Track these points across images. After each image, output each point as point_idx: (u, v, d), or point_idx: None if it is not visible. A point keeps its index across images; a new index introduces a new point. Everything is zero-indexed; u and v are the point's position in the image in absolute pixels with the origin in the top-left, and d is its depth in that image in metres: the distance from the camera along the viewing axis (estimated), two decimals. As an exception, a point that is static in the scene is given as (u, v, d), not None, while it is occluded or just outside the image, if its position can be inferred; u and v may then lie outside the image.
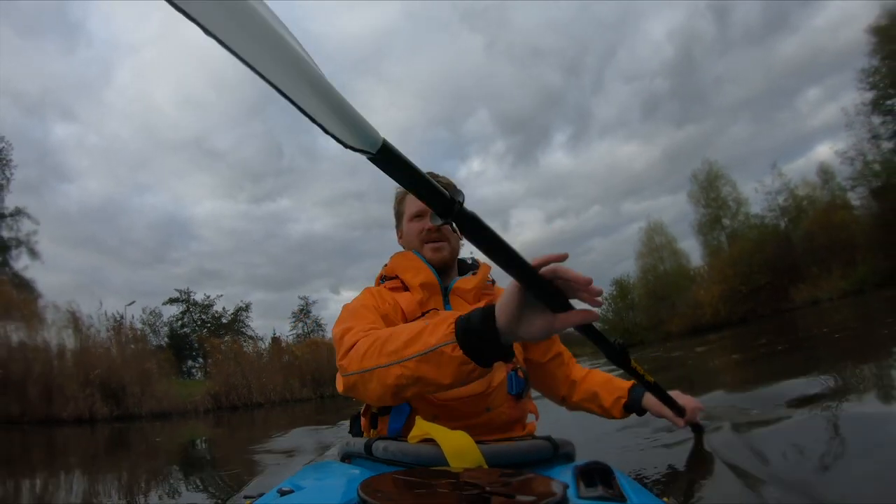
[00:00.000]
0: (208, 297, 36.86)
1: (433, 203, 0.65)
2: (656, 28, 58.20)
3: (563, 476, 0.85)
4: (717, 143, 43.14)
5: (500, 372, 1.14)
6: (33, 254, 23.55)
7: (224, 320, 36.16)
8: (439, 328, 0.86)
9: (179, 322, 35.13)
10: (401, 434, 1.09)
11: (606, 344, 1.07)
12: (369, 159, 0.61)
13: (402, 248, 1.44)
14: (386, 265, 1.40)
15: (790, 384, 2.70)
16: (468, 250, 1.48)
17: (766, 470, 1.53)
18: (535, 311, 0.75)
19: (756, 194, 26.49)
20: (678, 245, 32.14)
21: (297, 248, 55.90)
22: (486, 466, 0.88)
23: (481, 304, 1.21)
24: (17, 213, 23.93)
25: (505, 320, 0.76)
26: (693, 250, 31.56)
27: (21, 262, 23.22)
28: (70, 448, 8.01)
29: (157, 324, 32.36)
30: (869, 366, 2.82)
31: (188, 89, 64.18)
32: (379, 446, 1.00)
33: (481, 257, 1.44)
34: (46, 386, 11.80)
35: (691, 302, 27.66)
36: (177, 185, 57.13)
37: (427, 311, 1.23)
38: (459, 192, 0.66)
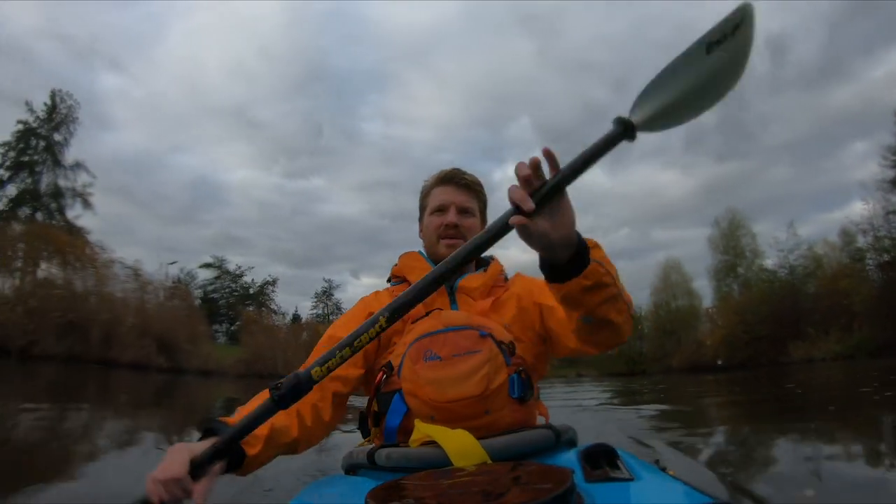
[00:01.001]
0: (240, 267, 39.01)
1: None
2: (709, 58, 58.47)
3: (567, 462, 0.85)
4: (756, 182, 43.54)
5: (500, 374, 1.04)
6: (87, 204, 25.52)
7: (251, 291, 38.32)
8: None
9: (212, 286, 37.35)
10: (398, 432, 1.08)
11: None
12: None
13: (421, 242, 1.42)
14: (395, 265, 1.40)
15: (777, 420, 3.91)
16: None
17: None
18: None
19: (771, 249, 27.45)
20: (693, 284, 33.03)
21: (323, 228, 57.84)
22: (490, 461, 0.88)
23: (490, 301, 1.23)
24: (77, 165, 25.98)
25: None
26: (705, 289, 32.41)
27: (74, 211, 25.22)
28: (123, 389, 9.61)
29: (192, 285, 34.34)
30: (846, 426, 3.83)
31: (238, 57, 66.51)
32: (381, 455, 1.00)
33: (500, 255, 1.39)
34: (108, 332, 13.60)
35: (695, 341, 28.77)
36: (214, 149, 59.31)
37: (431, 311, 1.19)
38: None
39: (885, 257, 20.41)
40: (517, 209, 0.77)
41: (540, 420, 1.21)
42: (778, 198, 41.44)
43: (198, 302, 32.88)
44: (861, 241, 22.12)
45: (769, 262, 27.89)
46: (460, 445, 0.90)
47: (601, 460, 0.83)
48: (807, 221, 42.65)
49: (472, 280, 1.29)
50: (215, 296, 37.32)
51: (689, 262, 34.41)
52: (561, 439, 1.04)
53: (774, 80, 45.86)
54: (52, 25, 38.50)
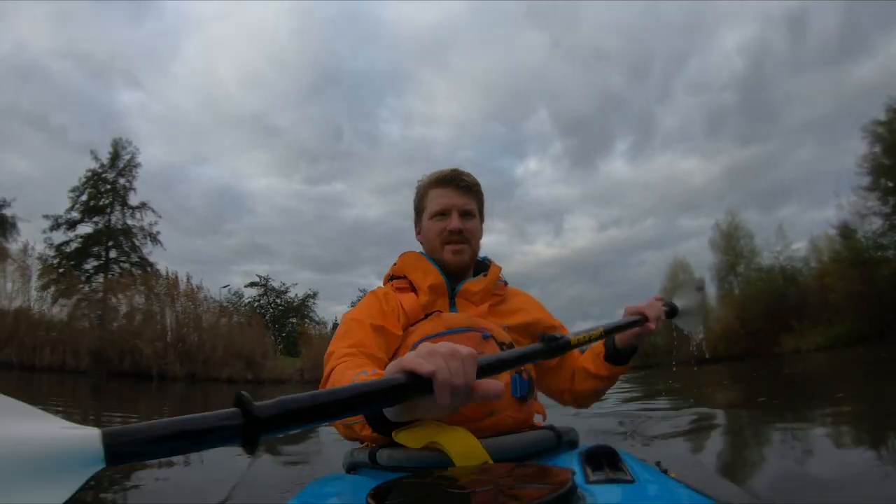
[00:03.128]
0: (284, 284, 42.47)
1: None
2: (727, 39, 57.24)
3: (569, 463, 0.87)
4: (781, 165, 43.75)
5: (503, 375, 1.07)
6: (155, 241, 29.30)
7: (295, 304, 41.81)
8: None
9: (257, 304, 40.89)
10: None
11: (530, 357, 0.91)
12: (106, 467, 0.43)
13: (419, 244, 1.42)
14: (395, 264, 1.40)
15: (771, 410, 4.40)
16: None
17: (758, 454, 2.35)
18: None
19: (766, 250, 29.99)
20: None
21: (348, 232, 57.41)
22: (491, 462, 0.89)
23: (487, 305, 1.29)
24: (142, 206, 29.74)
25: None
26: (712, 286, 34.58)
27: (146, 248, 29.04)
28: (227, 400, 12.85)
29: (238, 304, 37.87)
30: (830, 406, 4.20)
31: (251, 66, 65.27)
32: (384, 454, 1.00)
33: (495, 258, 1.44)
34: (209, 356, 16.99)
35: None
36: (235, 159, 59.34)
37: (431, 314, 1.22)
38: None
39: (863, 256, 22.86)
40: (646, 319, 1.25)
41: (538, 418, 1.23)
42: (804, 178, 41.98)
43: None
44: (838, 243, 24.57)
45: (766, 258, 30.33)
46: (462, 446, 0.90)
47: (602, 462, 0.84)
48: (830, 203, 42.94)
49: (473, 284, 1.31)
50: (261, 311, 40.82)
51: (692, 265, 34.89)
52: (562, 440, 1.07)
53: (794, 59, 45.73)
54: (68, 45, 41.57)
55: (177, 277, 18.42)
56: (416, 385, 0.65)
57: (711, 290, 33.65)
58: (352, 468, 1.13)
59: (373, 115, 70.06)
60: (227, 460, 2.72)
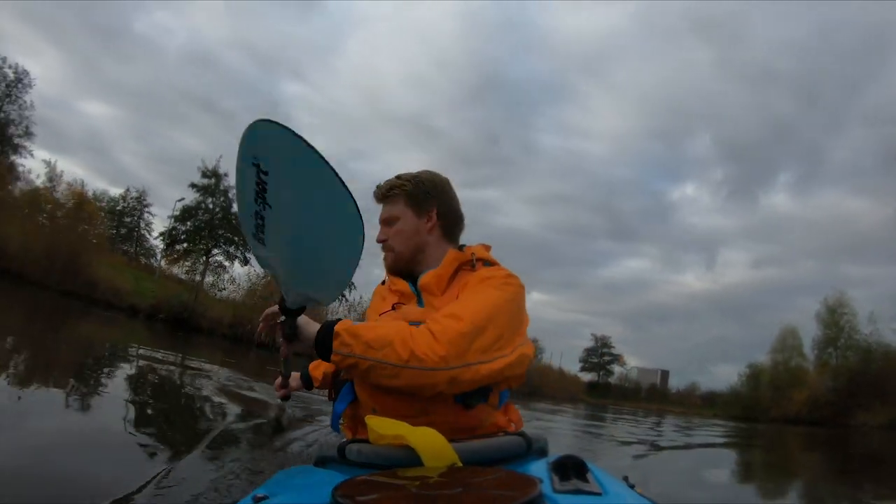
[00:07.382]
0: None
1: None
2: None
3: (537, 471, 0.86)
4: None
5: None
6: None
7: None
8: None
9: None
10: (341, 415, 1.17)
11: None
12: None
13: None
14: None
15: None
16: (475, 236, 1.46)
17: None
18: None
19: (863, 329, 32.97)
20: (804, 349, 38.11)
21: (494, 238, 58.66)
22: (460, 464, 0.89)
23: (452, 293, 1.23)
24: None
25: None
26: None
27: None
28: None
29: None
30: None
31: (413, 67, 69.82)
32: (353, 449, 1.01)
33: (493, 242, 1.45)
34: None
35: (791, 398, 34.85)
36: (392, 156, 63.21)
37: (396, 305, 1.27)
38: None
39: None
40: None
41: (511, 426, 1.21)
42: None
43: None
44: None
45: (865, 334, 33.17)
46: (432, 446, 0.90)
47: (570, 472, 0.83)
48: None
49: (427, 276, 1.27)
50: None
51: (875, 302, 34.62)
52: (532, 448, 1.05)
53: None
54: (239, 37, 48.80)
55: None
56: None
57: (810, 357, 36.17)
58: (320, 462, 1.11)
59: (530, 123, 71.24)
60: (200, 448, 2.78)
